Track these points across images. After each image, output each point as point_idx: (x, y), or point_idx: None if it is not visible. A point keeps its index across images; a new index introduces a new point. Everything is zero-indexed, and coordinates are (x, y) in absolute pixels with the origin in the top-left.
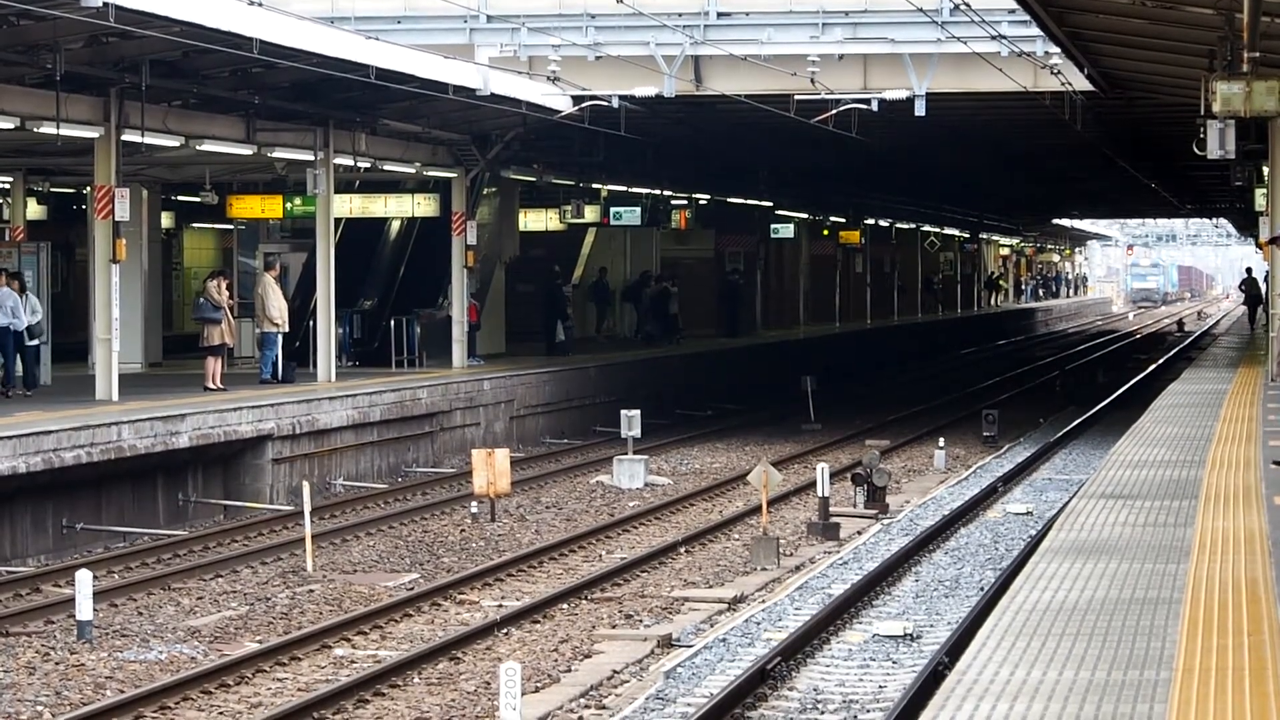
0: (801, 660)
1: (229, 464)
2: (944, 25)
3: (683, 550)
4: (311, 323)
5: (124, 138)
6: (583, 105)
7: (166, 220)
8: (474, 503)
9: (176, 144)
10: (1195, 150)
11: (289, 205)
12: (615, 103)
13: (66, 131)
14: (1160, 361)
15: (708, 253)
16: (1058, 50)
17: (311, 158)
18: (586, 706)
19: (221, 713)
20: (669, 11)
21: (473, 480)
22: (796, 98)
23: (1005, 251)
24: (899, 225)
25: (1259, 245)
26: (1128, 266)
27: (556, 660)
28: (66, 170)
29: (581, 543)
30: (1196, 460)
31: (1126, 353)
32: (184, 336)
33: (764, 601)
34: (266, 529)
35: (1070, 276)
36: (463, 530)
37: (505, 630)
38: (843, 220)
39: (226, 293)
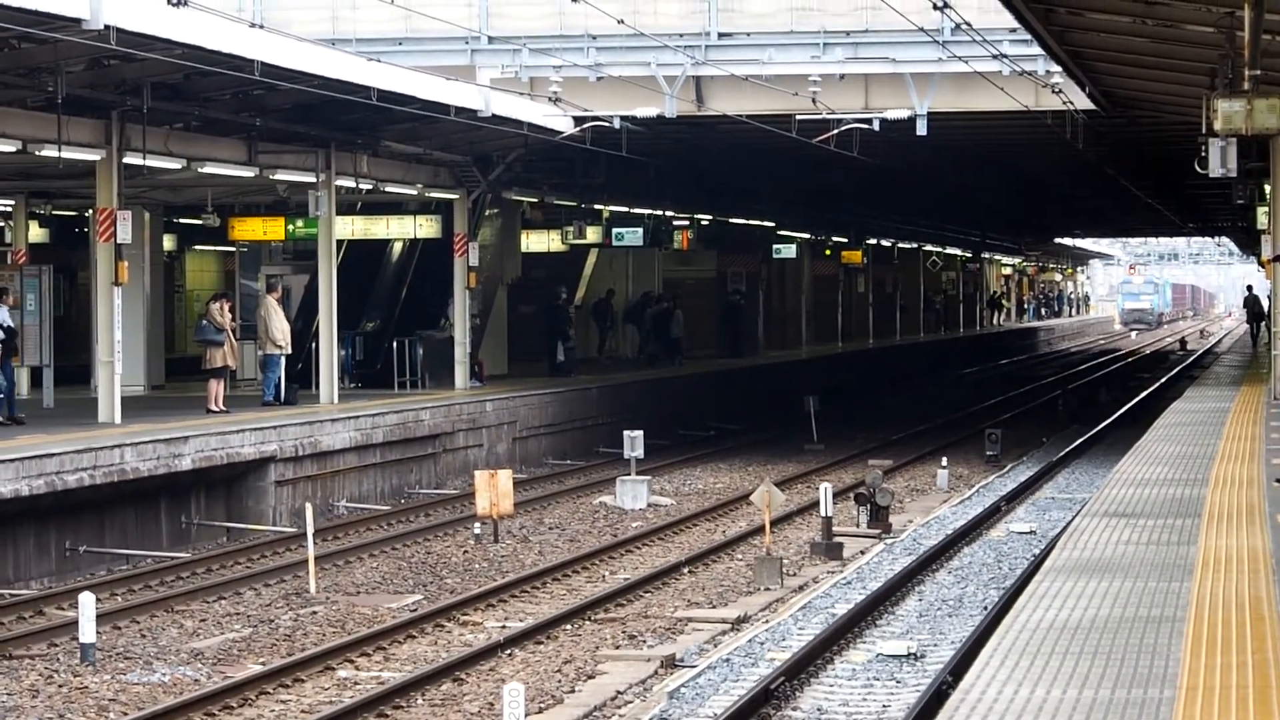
0: (805, 680)
1: (232, 486)
2: (945, 45)
3: (686, 570)
4: (314, 345)
5: (126, 160)
6: (584, 126)
7: (168, 243)
8: (477, 524)
9: (178, 166)
10: (1197, 169)
11: (291, 227)
12: (617, 123)
13: (68, 154)
14: (1162, 380)
15: (710, 273)
16: (1059, 69)
17: (313, 180)
18: None
19: None
20: (670, 32)
21: (476, 501)
22: (798, 118)
23: (1007, 271)
24: (901, 245)
25: (1262, 263)
26: (1119, 285)
27: (560, 681)
28: (68, 193)
29: (585, 563)
30: (1199, 479)
31: (1129, 372)
32: (186, 359)
33: (767, 621)
34: (269, 551)
35: (1072, 296)
36: (466, 551)
37: (509, 651)
38: (845, 240)
39: (229, 315)
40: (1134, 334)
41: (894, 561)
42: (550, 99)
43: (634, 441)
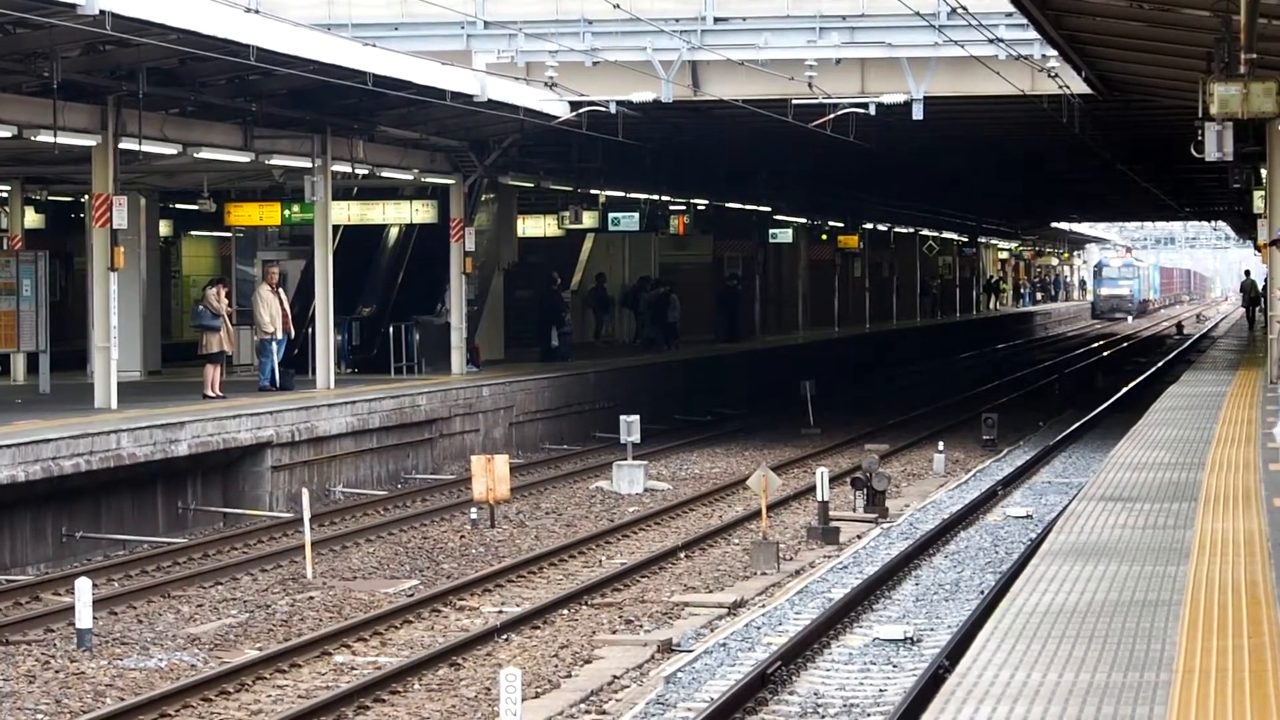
0: (802, 664)
1: (228, 471)
2: (941, 29)
3: (682, 555)
4: (310, 330)
5: (121, 146)
6: (580, 111)
7: (164, 228)
8: (473, 509)
9: (174, 152)
10: (1193, 153)
11: (287, 212)
12: (613, 108)
13: (64, 140)
14: (1159, 364)
15: (706, 258)
16: (1055, 53)
17: (309, 165)
18: (587, 712)
19: None
20: (666, 17)
21: (472, 486)
22: (794, 102)
23: (1004, 255)
24: (897, 229)
25: (1258, 247)
26: (1094, 270)
27: (557, 666)
28: (64, 179)
29: (581, 548)
30: (1196, 463)
31: (1125, 356)
32: (182, 344)
33: (764, 606)
34: (266, 536)
35: (1069, 280)
36: (462, 536)
37: (505, 636)
38: (841, 225)
39: (225, 300)
40: (1130, 319)
41: (890, 546)
42: (546, 84)
43: (630, 426)
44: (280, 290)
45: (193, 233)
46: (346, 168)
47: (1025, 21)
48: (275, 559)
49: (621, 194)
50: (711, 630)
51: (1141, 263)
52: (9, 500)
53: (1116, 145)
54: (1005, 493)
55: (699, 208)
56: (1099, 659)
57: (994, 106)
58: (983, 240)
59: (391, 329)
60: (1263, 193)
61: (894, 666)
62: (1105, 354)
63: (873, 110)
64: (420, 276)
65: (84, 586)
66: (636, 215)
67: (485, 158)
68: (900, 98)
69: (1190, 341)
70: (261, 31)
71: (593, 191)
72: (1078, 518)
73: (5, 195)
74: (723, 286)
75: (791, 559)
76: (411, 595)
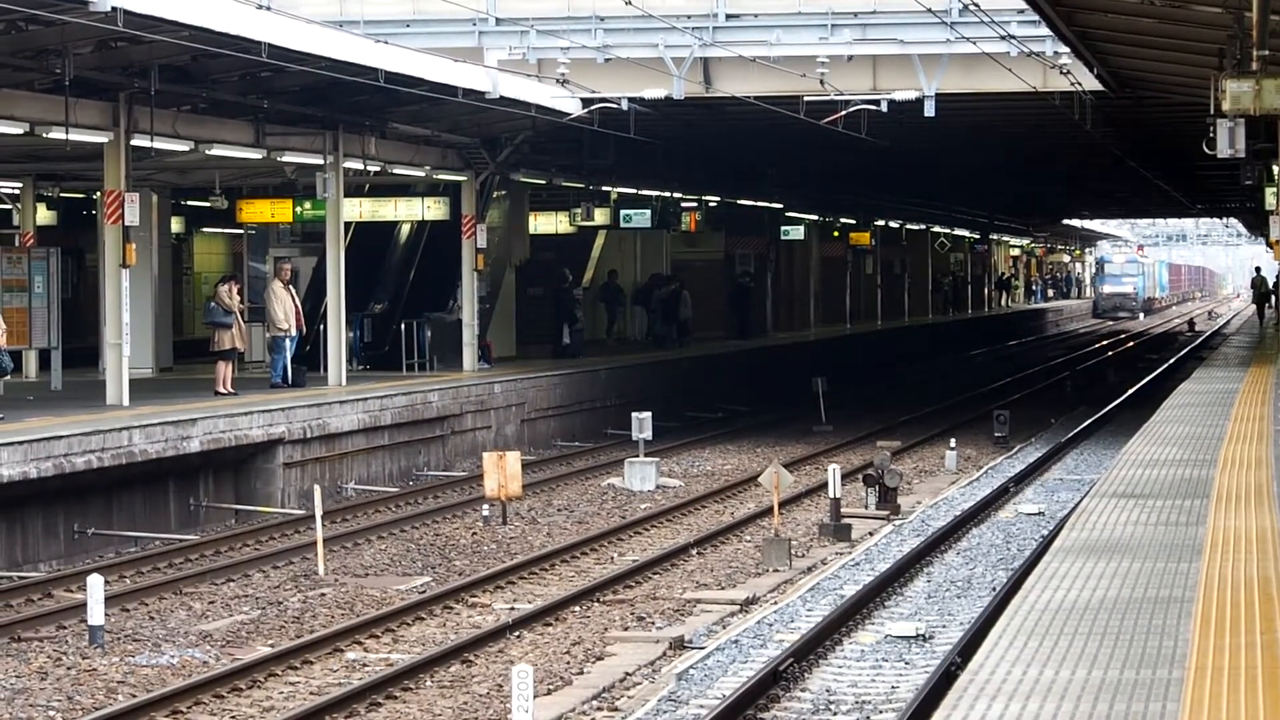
0: (814, 661)
1: (240, 468)
2: (953, 26)
3: (694, 552)
4: (322, 327)
5: (133, 142)
6: (592, 108)
7: (176, 225)
8: (485, 506)
9: (186, 148)
10: (1205, 149)
11: (299, 209)
12: (624, 105)
13: (76, 137)
14: (1171, 361)
15: (718, 255)
16: (1067, 50)
17: (321, 162)
18: (599, 709)
19: (234, 717)
20: (678, 13)
21: (484, 483)
22: (806, 99)
23: (1015, 252)
24: (909, 226)
25: (1270, 244)
26: (1095, 266)
27: (569, 662)
28: (76, 175)
29: (593, 545)
30: (1208, 459)
31: (1138, 352)
32: (195, 341)
33: (776, 603)
34: (278, 533)
35: (1080, 277)
36: (474, 533)
37: (517, 633)
38: (853, 221)
39: (237, 297)
40: (1142, 315)
41: (902, 543)
42: (558, 81)
43: (642, 423)
44: (292, 287)
45: (205, 229)
46: (358, 165)
47: (1037, 18)
48: (287, 556)
49: (633, 191)
50: (723, 627)
51: (1146, 259)
52: (21, 497)
53: (1128, 142)
54: (1017, 489)
55: (711, 204)
56: (1111, 656)
57: (1006, 103)
58: (994, 237)
59: (403, 326)
60: (1274, 189)
61: (906, 663)
62: (1116, 351)
63: (884, 107)
64: (432, 273)
65: (96, 583)
66: (648, 212)
67: (497, 155)
68: (912, 94)
69: (1202, 338)
70: (273, 29)
71: (604, 188)
72: (1090, 515)
73: (17, 192)
74: (734, 283)
75: (803, 555)
76: (423, 592)
